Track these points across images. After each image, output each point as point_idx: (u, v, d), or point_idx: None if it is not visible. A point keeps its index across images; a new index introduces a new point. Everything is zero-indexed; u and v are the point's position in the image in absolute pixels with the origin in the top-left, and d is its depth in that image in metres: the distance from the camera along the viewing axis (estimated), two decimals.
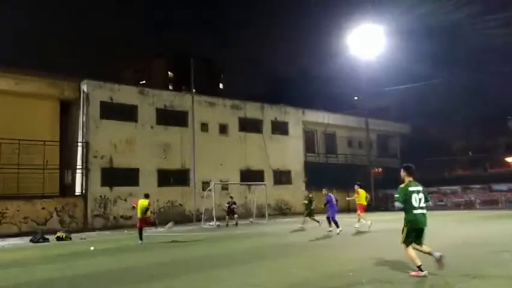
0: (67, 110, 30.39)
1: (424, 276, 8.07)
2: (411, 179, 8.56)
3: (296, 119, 40.49)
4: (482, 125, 51.13)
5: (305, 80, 70.63)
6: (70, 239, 20.74)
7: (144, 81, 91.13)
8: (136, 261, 12.44)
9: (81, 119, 28.83)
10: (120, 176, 29.02)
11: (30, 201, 25.49)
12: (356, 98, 62.97)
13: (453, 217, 26.39)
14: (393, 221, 24.93)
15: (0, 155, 24.87)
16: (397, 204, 8.46)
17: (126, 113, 30.10)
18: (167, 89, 60.22)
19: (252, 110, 37.14)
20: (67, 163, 28.99)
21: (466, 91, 47.81)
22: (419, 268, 8.16)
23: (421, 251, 8.42)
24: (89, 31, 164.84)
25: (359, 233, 17.94)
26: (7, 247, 18.53)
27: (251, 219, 29.33)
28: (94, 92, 29.01)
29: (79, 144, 28.53)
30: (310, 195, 22.66)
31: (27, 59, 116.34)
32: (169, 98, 32.67)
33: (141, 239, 17.32)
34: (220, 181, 31.60)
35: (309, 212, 22.26)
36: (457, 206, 37.68)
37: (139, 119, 30.65)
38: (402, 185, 8.54)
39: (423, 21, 41.90)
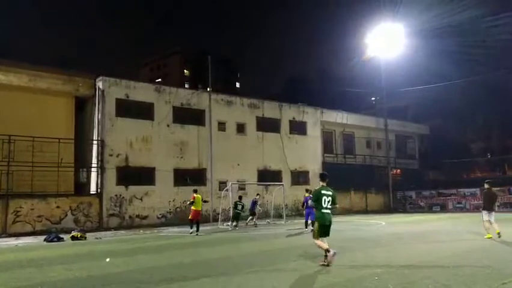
0: (82, 107, 29.97)
1: (333, 255, 9.68)
2: (324, 184, 10.31)
3: (315, 119, 39.84)
4: (501, 127, 50.32)
5: (323, 80, 70.13)
6: (85, 238, 20.29)
7: (159, 79, 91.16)
8: (153, 262, 11.93)
9: (96, 116, 28.42)
10: (136, 175, 28.60)
11: (45, 199, 25.06)
12: (373, 98, 62.38)
13: (472, 219, 25.71)
14: (414, 223, 24.37)
15: (14, 152, 24.50)
16: (310, 202, 10.46)
17: (142, 111, 29.64)
18: (183, 87, 59.76)
19: (270, 109, 36.55)
20: (81, 161, 28.58)
21: (485, 92, 46.98)
22: (327, 250, 9.78)
23: (321, 247, 9.93)
24: (103, 29, 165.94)
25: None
26: (21, 246, 18.11)
27: (268, 220, 28.87)
28: (109, 89, 28.57)
29: (94, 142, 28.11)
30: (238, 202, 24.67)
31: (41, 55, 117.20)
32: (185, 96, 32.13)
33: (198, 229, 20.41)
34: (237, 181, 31.13)
35: (236, 216, 24.29)
36: (476, 208, 36.99)
37: (155, 117, 30.17)
38: (316, 188, 10.38)
39: (443, 21, 41.09)
